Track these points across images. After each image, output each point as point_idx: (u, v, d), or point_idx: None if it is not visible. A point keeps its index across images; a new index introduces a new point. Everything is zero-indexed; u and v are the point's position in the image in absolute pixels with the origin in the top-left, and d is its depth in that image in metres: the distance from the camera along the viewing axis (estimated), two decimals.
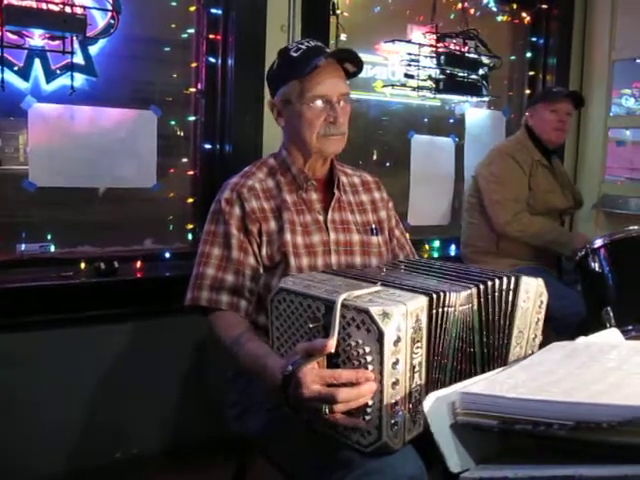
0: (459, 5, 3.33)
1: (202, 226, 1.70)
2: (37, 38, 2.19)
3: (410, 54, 3.06)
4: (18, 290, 2.18)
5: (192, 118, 2.66)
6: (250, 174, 1.69)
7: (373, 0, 3.10)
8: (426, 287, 1.22)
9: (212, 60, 2.60)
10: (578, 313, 2.41)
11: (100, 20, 2.30)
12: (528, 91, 3.68)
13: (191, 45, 2.62)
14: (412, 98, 3.24)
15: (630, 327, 2.02)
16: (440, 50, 3.12)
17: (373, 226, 1.74)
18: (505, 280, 1.29)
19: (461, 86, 3.23)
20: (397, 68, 3.13)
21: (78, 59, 2.27)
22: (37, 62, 2.23)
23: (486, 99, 3.43)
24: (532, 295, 1.34)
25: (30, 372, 2.20)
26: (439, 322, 1.19)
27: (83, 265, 2.40)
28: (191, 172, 2.69)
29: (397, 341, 1.10)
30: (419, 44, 3.07)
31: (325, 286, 1.22)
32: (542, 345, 1.23)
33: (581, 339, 1.24)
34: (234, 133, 2.58)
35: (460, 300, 1.22)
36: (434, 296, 1.17)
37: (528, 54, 3.67)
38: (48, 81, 2.26)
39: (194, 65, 2.63)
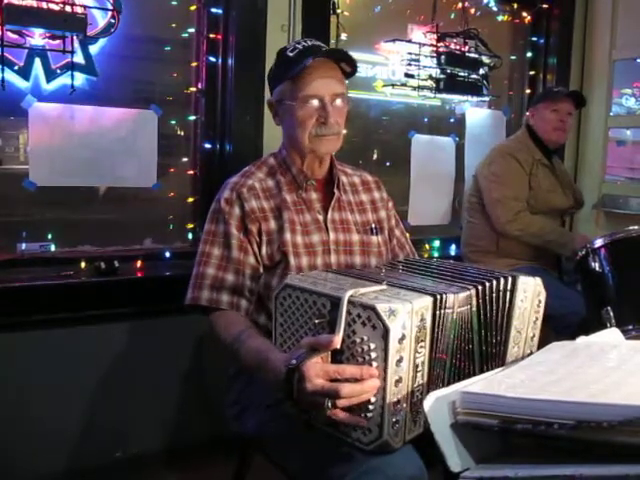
0: (459, 5, 3.33)
1: (202, 225, 1.70)
2: (37, 37, 2.19)
3: (410, 54, 3.06)
4: (18, 290, 2.18)
5: (192, 118, 2.66)
6: (250, 174, 1.69)
7: (373, 0, 3.10)
8: (429, 288, 1.22)
9: (212, 59, 2.60)
10: (578, 313, 2.41)
11: (100, 19, 2.30)
12: (528, 91, 3.68)
13: (191, 44, 2.62)
14: (412, 98, 3.24)
15: (630, 327, 2.01)
16: (440, 50, 3.12)
17: (373, 226, 1.74)
18: (502, 280, 1.29)
19: (461, 86, 3.23)
20: (397, 68, 3.13)
21: (78, 58, 2.27)
22: (37, 61, 2.23)
23: (486, 99, 3.43)
24: (530, 295, 1.35)
25: (30, 372, 2.20)
26: (442, 322, 1.19)
27: (83, 264, 2.40)
28: (191, 172, 2.69)
29: (402, 339, 1.11)
30: (419, 44, 3.07)
31: (330, 284, 1.23)
32: (542, 345, 1.23)
33: (581, 339, 1.24)
34: (234, 133, 2.58)
35: (460, 301, 1.23)
36: (438, 297, 1.17)
37: (528, 54, 3.67)
38: (48, 80, 2.26)
39: (194, 64, 2.63)
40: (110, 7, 2.29)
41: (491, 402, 0.91)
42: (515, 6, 3.59)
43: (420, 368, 1.16)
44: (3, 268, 2.25)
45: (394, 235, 1.84)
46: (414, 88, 3.11)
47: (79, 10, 2.17)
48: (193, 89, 2.64)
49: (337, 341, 1.13)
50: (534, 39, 3.65)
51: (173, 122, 2.64)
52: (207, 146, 2.64)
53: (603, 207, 3.58)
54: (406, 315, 1.11)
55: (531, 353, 1.39)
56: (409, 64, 3.07)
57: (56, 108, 2.30)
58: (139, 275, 2.47)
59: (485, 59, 3.28)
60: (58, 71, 2.26)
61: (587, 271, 2.25)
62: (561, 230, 3.05)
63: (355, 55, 1.63)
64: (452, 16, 3.32)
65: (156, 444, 2.47)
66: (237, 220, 1.60)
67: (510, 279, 1.30)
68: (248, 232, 1.59)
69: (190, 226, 2.69)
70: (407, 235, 1.90)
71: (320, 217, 1.67)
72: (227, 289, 1.58)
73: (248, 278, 1.59)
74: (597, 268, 2.20)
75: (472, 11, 3.38)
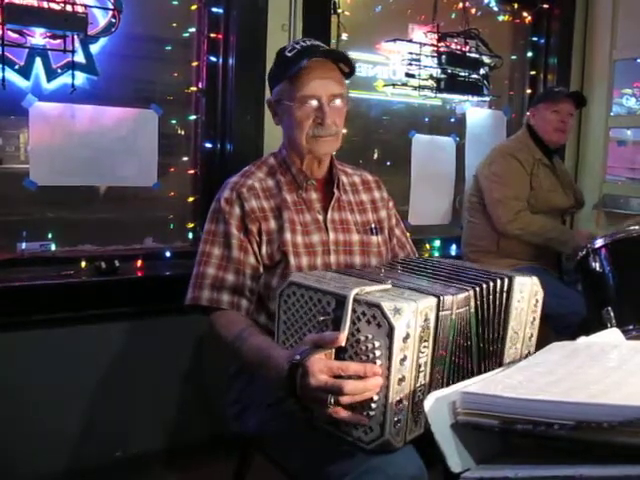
0: (460, 5, 3.33)
1: (203, 225, 1.70)
2: (38, 37, 2.19)
3: (411, 53, 3.06)
4: (18, 289, 2.18)
5: (193, 117, 2.66)
6: (250, 173, 1.69)
7: (374, 0, 3.10)
8: (429, 289, 1.23)
9: (213, 59, 2.60)
10: (578, 313, 2.41)
11: (101, 19, 2.30)
12: (529, 91, 3.68)
13: (192, 44, 2.62)
14: (413, 97, 3.24)
15: (631, 327, 2.01)
16: (441, 49, 3.12)
17: (373, 226, 1.74)
18: (499, 282, 1.29)
19: (462, 86, 3.23)
20: (398, 67, 3.13)
21: (79, 58, 2.27)
22: (38, 61, 2.23)
23: (487, 99, 3.42)
24: (526, 295, 1.35)
25: (30, 372, 2.20)
26: (443, 323, 1.20)
27: (84, 264, 2.40)
28: (192, 171, 2.69)
29: (406, 338, 1.12)
30: (420, 43, 3.07)
31: (334, 282, 1.24)
32: (542, 345, 1.23)
33: (582, 339, 1.24)
34: (235, 132, 2.58)
35: (459, 302, 1.23)
36: (441, 298, 1.18)
37: (529, 54, 3.67)
38: (49, 80, 2.26)
39: (195, 64, 2.63)
40: (111, 6, 2.29)
41: (491, 402, 0.91)
42: (516, 6, 3.59)
43: (423, 368, 1.17)
44: (3, 267, 2.25)
45: (394, 235, 1.84)
46: (415, 88, 3.11)
47: (80, 9, 2.17)
48: (194, 89, 2.64)
49: (342, 338, 1.14)
50: (535, 39, 3.65)
51: (174, 121, 2.64)
52: (207, 146, 2.64)
53: (604, 207, 3.58)
54: (411, 314, 1.12)
55: (529, 353, 1.39)
56: (410, 64, 3.07)
57: (57, 107, 2.30)
58: (139, 275, 2.47)
59: (486, 59, 3.28)
60: (59, 70, 2.26)
61: (587, 271, 2.25)
62: (562, 228, 3.05)
63: (356, 55, 1.64)
64: (453, 16, 3.32)
65: (156, 444, 2.47)
66: (237, 220, 1.60)
67: (506, 280, 1.30)
68: (248, 232, 1.59)
69: (190, 226, 2.69)
70: (407, 235, 1.90)
71: (320, 217, 1.66)
72: (227, 289, 1.58)
73: (248, 278, 1.59)
74: (597, 268, 2.20)
75: (473, 11, 3.38)
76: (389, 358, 1.11)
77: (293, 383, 1.15)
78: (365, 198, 1.78)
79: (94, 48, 2.32)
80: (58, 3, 2.12)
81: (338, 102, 1.61)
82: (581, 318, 2.40)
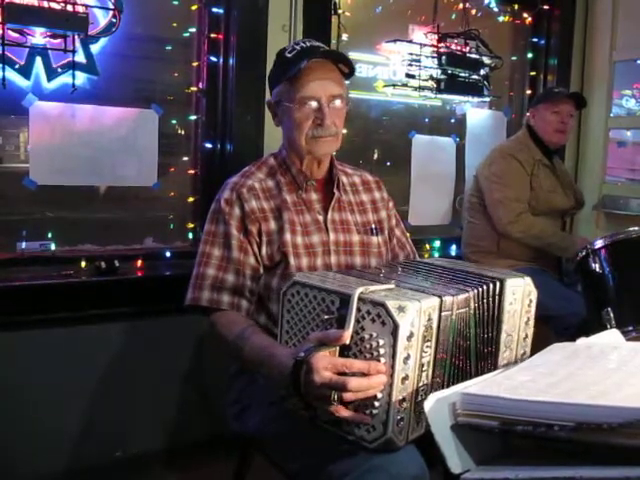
0: (460, 5, 3.33)
1: (203, 225, 1.70)
2: (39, 36, 2.19)
3: (411, 54, 3.06)
4: (18, 289, 2.18)
5: (193, 117, 2.66)
6: (250, 174, 1.69)
7: (375, 0, 3.10)
8: (432, 290, 1.23)
9: (213, 59, 2.60)
10: (578, 314, 2.41)
11: (102, 19, 2.30)
12: (529, 91, 3.68)
13: (192, 44, 2.62)
14: (413, 98, 3.24)
15: (630, 328, 2.01)
16: (441, 50, 3.12)
17: (373, 226, 1.74)
18: (491, 286, 1.30)
19: (462, 86, 3.23)
20: (398, 68, 3.13)
21: (79, 57, 2.27)
22: (38, 60, 2.23)
23: (487, 99, 3.42)
24: (519, 296, 1.35)
25: (30, 372, 2.20)
26: (446, 324, 1.20)
27: (83, 264, 2.39)
28: (192, 171, 2.68)
29: (410, 336, 1.13)
30: (420, 44, 3.07)
31: (338, 282, 1.24)
32: (542, 346, 1.23)
33: (581, 340, 1.24)
34: (235, 132, 2.58)
35: (459, 303, 1.24)
36: (444, 298, 1.19)
37: (529, 54, 3.67)
38: (49, 79, 2.26)
39: (195, 64, 2.63)
40: (111, 6, 2.29)
41: (491, 403, 0.91)
42: (516, 7, 3.59)
43: (425, 368, 1.18)
44: (3, 267, 2.25)
45: (394, 235, 1.84)
46: (415, 88, 3.11)
47: (80, 9, 2.17)
48: (194, 89, 2.64)
49: (347, 336, 1.14)
50: (535, 40, 3.65)
51: (174, 121, 2.63)
52: (208, 146, 2.64)
53: (603, 208, 3.58)
54: (415, 313, 1.13)
55: (524, 353, 1.40)
56: (410, 64, 3.07)
57: (57, 107, 2.30)
58: (139, 275, 2.47)
59: (486, 60, 3.28)
60: (59, 70, 2.26)
61: (587, 272, 2.25)
62: (562, 234, 3.05)
63: (356, 55, 1.64)
64: (453, 17, 3.32)
65: (156, 444, 2.47)
66: (237, 220, 1.60)
67: (497, 284, 1.30)
68: (248, 232, 1.59)
69: (190, 226, 2.69)
70: (408, 235, 1.90)
71: (320, 217, 1.66)
72: (228, 290, 1.58)
73: (248, 279, 1.59)
74: (597, 269, 2.20)
75: (473, 12, 3.38)
76: (393, 356, 1.12)
77: (297, 380, 1.15)
78: (365, 198, 1.78)
79: (94, 48, 2.32)
80: (59, 3, 2.12)
81: (338, 103, 1.61)
82: (581, 319, 2.39)
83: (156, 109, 2.50)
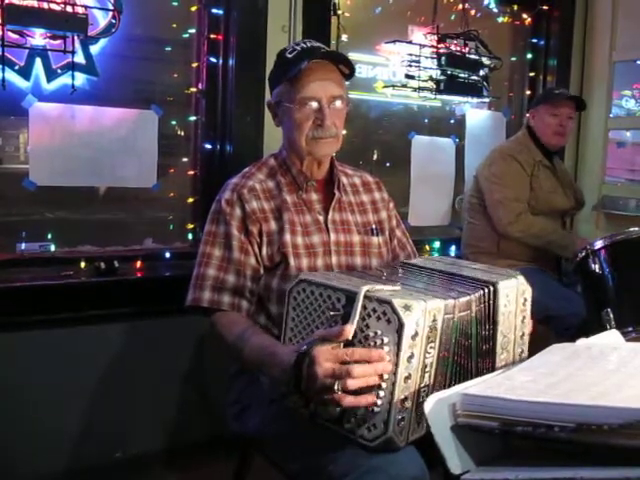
0: (460, 6, 3.33)
1: (202, 226, 1.70)
2: (38, 37, 2.19)
3: (411, 55, 3.06)
4: (18, 289, 2.18)
5: (193, 118, 2.66)
6: (250, 175, 1.69)
7: (374, 1, 3.10)
8: (435, 292, 1.24)
9: (213, 60, 2.60)
10: (578, 314, 2.41)
11: (101, 20, 2.30)
12: (529, 92, 3.68)
13: (192, 45, 2.62)
14: (413, 99, 3.24)
15: (630, 328, 2.01)
16: (441, 51, 3.12)
17: (373, 226, 1.74)
18: (485, 290, 1.30)
19: (462, 87, 3.23)
20: (398, 69, 3.13)
21: (79, 58, 2.27)
22: (38, 61, 2.23)
23: (487, 100, 3.43)
24: (513, 297, 1.35)
25: (30, 372, 2.20)
26: (448, 325, 1.21)
27: (83, 264, 2.39)
28: (191, 172, 2.68)
29: (415, 335, 1.13)
30: (420, 45, 3.07)
31: (345, 281, 1.25)
32: (542, 347, 1.23)
33: (581, 341, 1.24)
34: (235, 133, 2.58)
35: (462, 306, 1.24)
36: (447, 301, 1.19)
37: (529, 55, 3.67)
38: (49, 80, 2.26)
39: (195, 65, 2.63)
40: (111, 7, 2.29)
41: (491, 404, 0.91)
42: (515, 8, 3.59)
43: (428, 369, 1.18)
44: (3, 268, 2.25)
45: (395, 236, 1.84)
46: (414, 89, 3.11)
47: (80, 10, 2.17)
48: (194, 89, 2.64)
49: (349, 330, 1.14)
50: (534, 41, 3.65)
51: (173, 122, 2.64)
52: (207, 147, 2.64)
53: (603, 208, 3.58)
54: (420, 313, 1.13)
55: (522, 352, 1.40)
56: (409, 65, 3.07)
57: (56, 108, 2.30)
58: (139, 275, 2.47)
59: (485, 60, 3.28)
60: (59, 71, 2.26)
61: (587, 272, 2.25)
62: (562, 232, 3.05)
63: (355, 56, 1.64)
64: (452, 17, 3.32)
65: (156, 444, 2.47)
66: (238, 221, 1.60)
67: (491, 289, 1.30)
68: (249, 233, 1.59)
69: (190, 226, 2.69)
70: (408, 235, 1.90)
71: (321, 218, 1.66)
72: (228, 290, 1.58)
73: (249, 279, 1.59)
74: (597, 270, 2.20)
75: (472, 12, 3.38)
76: (397, 354, 1.12)
77: (299, 374, 1.16)
78: (365, 199, 1.79)
79: (94, 49, 2.32)
80: (58, 4, 2.12)
81: (338, 103, 1.61)
82: (581, 320, 2.40)
83: (156, 110, 2.50)
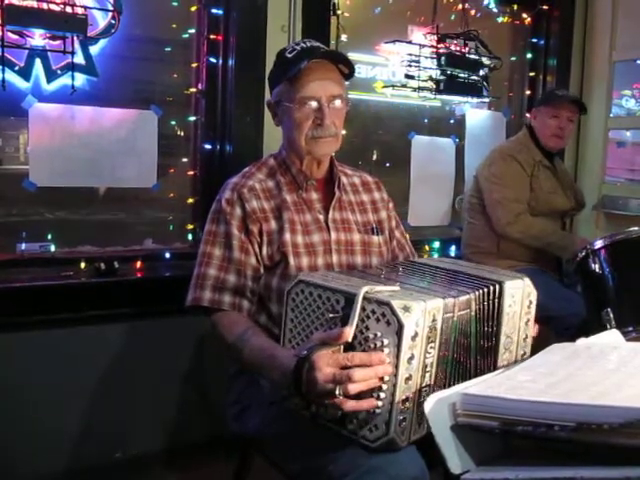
0: (460, 6, 3.33)
1: (202, 226, 1.70)
2: (38, 38, 2.19)
3: (411, 55, 3.06)
4: (18, 290, 2.18)
5: (192, 118, 2.66)
6: (250, 174, 1.70)
7: (374, 1, 3.10)
8: (435, 292, 1.24)
9: (213, 60, 2.60)
10: (578, 314, 2.41)
11: (101, 20, 2.30)
12: (528, 92, 3.68)
13: (192, 45, 2.62)
14: (412, 99, 3.24)
15: (630, 328, 2.01)
16: (441, 51, 3.12)
17: (373, 226, 1.75)
18: (491, 288, 1.30)
19: (461, 87, 3.23)
20: (398, 69, 3.13)
21: (79, 59, 2.27)
22: (38, 62, 2.23)
23: (486, 100, 3.43)
24: (518, 298, 1.35)
25: (30, 372, 2.20)
26: (448, 324, 1.21)
27: (83, 265, 2.39)
28: (191, 172, 2.68)
29: (414, 336, 1.13)
30: (420, 45, 3.07)
31: (343, 282, 1.24)
32: (542, 346, 1.23)
33: (581, 340, 1.24)
34: (234, 133, 2.58)
35: (460, 305, 1.24)
36: (446, 300, 1.19)
37: (528, 55, 3.67)
38: (49, 81, 2.26)
39: (195, 65, 2.63)
40: (111, 8, 2.29)
41: (491, 404, 0.91)
42: (515, 7, 3.59)
43: (429, 369, 1.18)
44: (3, 268, 2.25)
45: (394, 236, 1.84)
46: (414, 89, 3.11)
47: (80, 11, 2.17)
48: (193, 90, 2.64)
49: (348, 333, 1.14)
50: (534, 40, 3.65)
51: (173, 123, 2.64)
52: (207, 147, 2.64)
53: (603, 208, 3.58)
54: (420, 313, 1.13)
55: (524, 354, 1.40)
56: (409, 65, 3.07)
57: (56, 108, 2.30)
58: (139, 276, 2.47)
59: (485, 60, 3.28)
60: (58, 71, 2.26)
61: (587, 272, 2.25)
62: (562, 233, 3.05)
63: (355, 56, 1.64)
64: (452, 17, 3.32)
65: (156, 444, 2.47)
66: (238, 220, 1.60)
67: (497, 287, 1.30)
68: (249, 233, 1.59)
69: (190, 227, 2.69)
70: (407, 236, 1.90)
71: (321, 217, 1.67)
72: (229, 290, 1.58)
73: (249, 279, 1.59)
74: (597, 269, 2.20)
75: (472, 12, 3.38)
76: (397, 356, 1.12)
77: (299, 379, 1.15)
78: (365, 199, 1.79)
79: (94, 49, 2.32)
80: (58, 4, 2.12)
81: (338, 103, 1.61)
82: (581, 319, 2.40)
83: (155, 110, 2.50)
